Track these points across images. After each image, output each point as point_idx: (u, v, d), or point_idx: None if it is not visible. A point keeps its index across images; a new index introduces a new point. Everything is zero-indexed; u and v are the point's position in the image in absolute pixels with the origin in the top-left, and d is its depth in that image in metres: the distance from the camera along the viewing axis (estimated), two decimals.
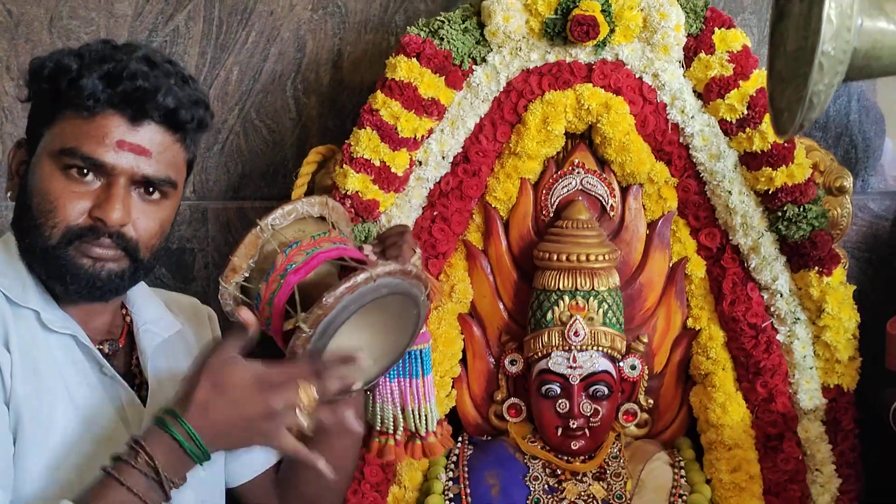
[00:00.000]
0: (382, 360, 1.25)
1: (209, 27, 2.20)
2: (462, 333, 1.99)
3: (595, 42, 1.89)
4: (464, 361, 2.01)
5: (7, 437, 1.23)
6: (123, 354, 1.41)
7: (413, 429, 1.45)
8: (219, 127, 2.20)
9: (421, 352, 1.40)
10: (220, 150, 2.22)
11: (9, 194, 1.34)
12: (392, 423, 1.44)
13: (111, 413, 1.33)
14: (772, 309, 1.95)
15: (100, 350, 1.35)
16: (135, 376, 1.41)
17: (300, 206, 1.27)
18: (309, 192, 2.02)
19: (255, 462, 1.54)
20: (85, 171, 1.25)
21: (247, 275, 1.24)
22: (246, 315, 1.19)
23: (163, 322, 1.46)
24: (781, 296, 1.93)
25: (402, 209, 1.95)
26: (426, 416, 1.44)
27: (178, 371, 1.43)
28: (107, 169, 1.25)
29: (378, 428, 1.45)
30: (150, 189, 1.30)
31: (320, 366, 1.17)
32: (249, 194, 2.24)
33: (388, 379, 1.40)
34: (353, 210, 1.90)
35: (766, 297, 1.95)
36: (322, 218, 1.30)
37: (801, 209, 1.89)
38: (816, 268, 1.90)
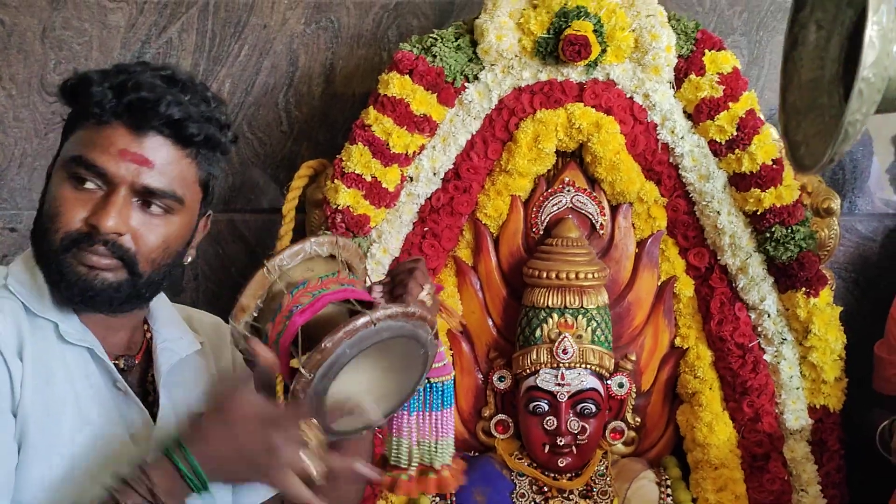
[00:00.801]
0: (389, 400, 1.23)
1: (202, 39, 2.21)
2: (451, 349, 1.99)
3: (587, 62, 1.91)
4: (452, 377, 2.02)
5: (10, 447, 1.22)
6: (139, 371, 1.39)
7: (428, 462, 1.41)
8: None
9: (443, 384, 1.38)
10: None
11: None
12: (407, 458, 1.41)
13: (120, 428, 1.32)
14: (759, 329, 1.96)
15: (115, 365, 1.33)
16: (149, 394, 1.39)
17: (308, 245, 1.24)
18: (300, 206, 2.03)
19: (260, 487, 1.51)
20: (88, 180, 1.26)
21: (255, 314, 1.22)
22: (262, 350, 1.17)
23: (183, 341, 1.44)
24: (769, 316, 1.95)
25: (393, 225, 1.96)
26: (443, 449, 1.41)
27: (192, 391, 1.42)
28: (108, 177, 1.25)
29: (392, 462, 1.42)
30: (153, 202, 1.28)
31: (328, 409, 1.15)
32: (240, 206, 2.24)
33: (407, 412, 1.38)
34: (343, 225, 1.90)
35: (753, 317, 1.96)
36: (333, 257, 1.28)
37: (789, 230, 1.91)
38: (804, 289, 1.92)
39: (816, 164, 1.31)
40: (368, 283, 1.33)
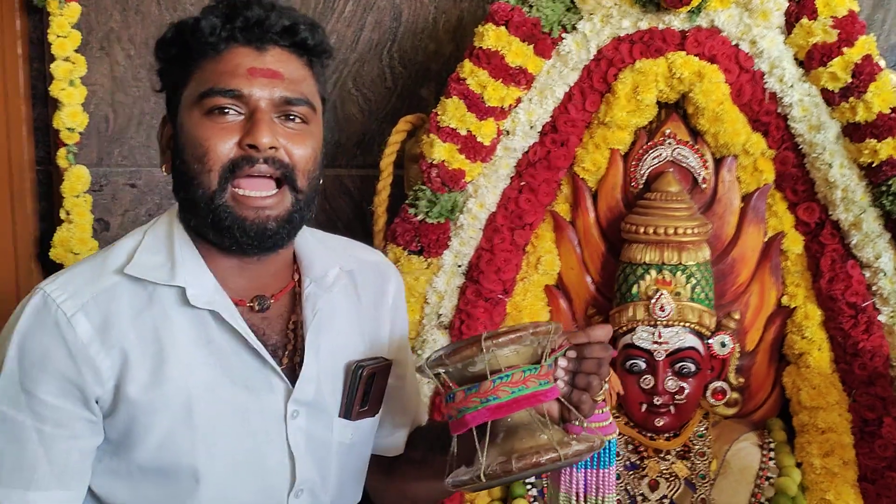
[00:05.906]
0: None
1: None
2: (548, 305, 1.98)
3: (689, 8, 1.83)
4: None
5: (81, 439, 1.24)
6: (281, 319, 1.36)
7: None
8: None
9: (609, 443, 1.36)
10: None
11: (163, 168, 1.37)
12: None
13: (251, 392, 1.30)
14: (874, 288, 1.85)
15: (250, 307, 1.33)
16: (289, 342, 1.35)
17: (526, 336, 1.23)
18: (399, 162, 2.04)
19: (383, 445, 1.54)
20: (226, 109, 1.26)
21: (450, 370, 1.24)
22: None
23: (328, 278, 1.39)
24: (885, 274, 1.83)
25: (490, 179, 1.94)
26: None
27: (337, 339, 1.39)
28: (245, 98, 1.26)
29: None
30: (292, 115, 1.29)
31: None
32: (345, 163, 2.27)
33: (576, 469, 1.39)
34: (439, 179, 1.90)
35: (867, 275, 1.85)
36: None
37: None
38: None
39: None
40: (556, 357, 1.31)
